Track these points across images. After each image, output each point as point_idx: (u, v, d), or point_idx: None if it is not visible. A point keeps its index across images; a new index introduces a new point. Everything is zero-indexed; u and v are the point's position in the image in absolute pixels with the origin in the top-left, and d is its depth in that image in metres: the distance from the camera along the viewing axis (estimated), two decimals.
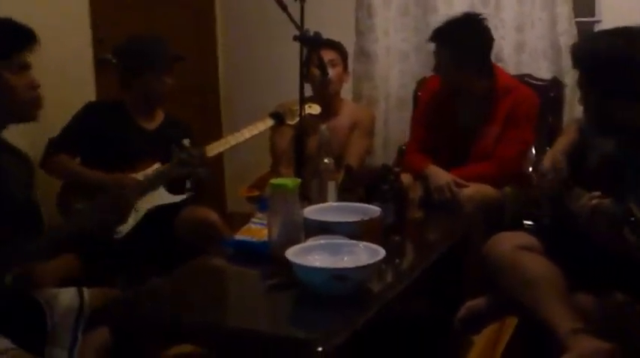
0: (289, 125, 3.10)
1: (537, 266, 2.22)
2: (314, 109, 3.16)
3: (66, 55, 3.15)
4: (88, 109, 2.92)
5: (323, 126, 2.75)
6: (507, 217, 2.99)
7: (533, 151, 3.04)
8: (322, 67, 2.94)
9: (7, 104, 2.00)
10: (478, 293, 2.52)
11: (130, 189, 2.62)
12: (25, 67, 2.02)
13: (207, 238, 2.71)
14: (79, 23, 3.31)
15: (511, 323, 2.67)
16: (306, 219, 2.21)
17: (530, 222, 2.84)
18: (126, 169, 2.79)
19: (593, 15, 3.60)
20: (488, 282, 2.44)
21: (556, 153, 2.35)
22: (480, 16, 3.05)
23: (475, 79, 3.03)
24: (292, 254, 1.94)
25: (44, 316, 1.97)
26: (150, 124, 2.99)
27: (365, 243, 2.04)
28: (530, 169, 2.57)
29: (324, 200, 2.53)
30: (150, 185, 2.77)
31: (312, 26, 2.57)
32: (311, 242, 2.08)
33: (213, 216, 2.86)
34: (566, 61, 3.30)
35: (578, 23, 3.49)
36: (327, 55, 3.27)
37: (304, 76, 2.74)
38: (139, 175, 2.81)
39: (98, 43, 3.39)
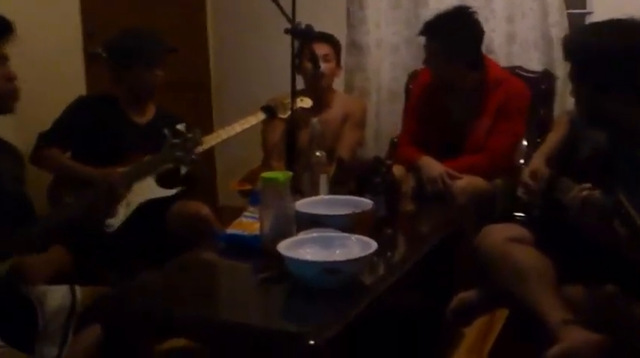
0: (281, 119, 3.10)
1: (528, 257, 2.23)
2: (305, 103, 3.16)
3: (56, 49, 3.14)
4: (80, 103, 2.91)
5: (314, 120, 2.76)
6: (498, 209, 3.00)
7: (525, 143, 3.05)
8: (314, 60, 2.93)
9: None
10: (470, 284, 2.53)
11: (116, 179, 2.59)
12: (2, 58, 2.00)
13: (199, 232, 2.70)
14: (69, 17, 3.30)
15: (502, 315, 2.69)
16: (297, 213, 2.21)
17: (521, 214, 2.85)
18: (117, 163, 2.77)
19: (584, 7, 3.60)
20: (479, 274, 2.45)
21: (541, 159, 2.35)
22: (471, 10, 3.04)
23: (465, 72, 3.03)
24: (284, 247, 1.94)
25: (35, 313, 1.96)
26: (141, 118, 2.98)
27: (357, 236, 2.04)
28: (522, 161, 2.58)
29: (315, 193, 2.54)
30: (137, 173, 2.69)
31: (303, 19, 2.56)
32: (303, 235, 2.08)
33: (204, 209, 2.85)
34: (558, 52, 3.30)
35: (569, 15, 3.48)
36: (321, 50, 3.26)
37: (296, 69, 2.73)
38: None
39: (88, 37, 3.37)
